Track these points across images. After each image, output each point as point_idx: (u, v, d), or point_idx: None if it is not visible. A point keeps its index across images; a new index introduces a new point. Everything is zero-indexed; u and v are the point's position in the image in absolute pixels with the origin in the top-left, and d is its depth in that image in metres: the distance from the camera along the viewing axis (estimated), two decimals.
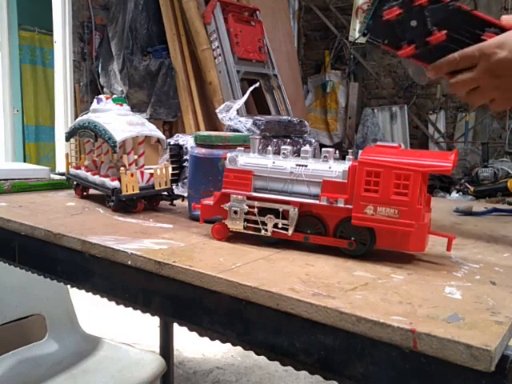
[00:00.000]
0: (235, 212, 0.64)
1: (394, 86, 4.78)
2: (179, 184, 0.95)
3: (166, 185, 0.89)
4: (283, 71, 3.72)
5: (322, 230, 0.61)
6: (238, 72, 3.31)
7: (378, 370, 0.41)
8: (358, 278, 0.52)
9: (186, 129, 3.32)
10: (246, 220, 0.64)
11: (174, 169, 0.91)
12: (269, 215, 0.62)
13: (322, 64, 4.98)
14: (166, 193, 0.89)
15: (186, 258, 0.57)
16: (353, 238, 0.59)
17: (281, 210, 0.62)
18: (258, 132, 1.04)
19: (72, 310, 1.44)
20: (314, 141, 1.17)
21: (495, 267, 0.58)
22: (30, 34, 4.11)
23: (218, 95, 3.17)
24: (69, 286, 0.74)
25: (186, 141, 1.05)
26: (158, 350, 1.59)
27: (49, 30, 3.74)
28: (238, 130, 1.04)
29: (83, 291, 0.68)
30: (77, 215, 0.82)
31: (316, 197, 0.60)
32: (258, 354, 0.50)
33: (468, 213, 0.93)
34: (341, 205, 0.59)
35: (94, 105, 0.95)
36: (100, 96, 0.97)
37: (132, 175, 0.85)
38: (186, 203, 0.86)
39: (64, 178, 1.05)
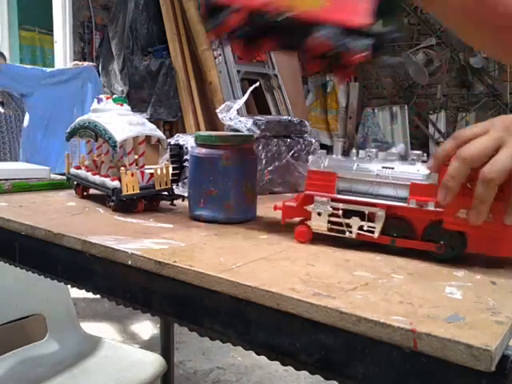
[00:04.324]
0: (319, 214, 0.64)
1: (394, 86, 4.78)
2: (179, 184, 0.95)
3: (166, 185, 0.89)
4: (283, 71, 3.72)
5: (410, 233, 0.60)
6: (238, 72, 3.31)
7: (378, 370, 0.41)
8: (358, 278, 0.52)
9: (187, 129, 3.32)
10: (329, 222, 0.64)
11: (174, 169, 0.91)
12: (353, 217, 0.62)
13: None
14: (166, 193, 0.89)
15: (186, 257, 0.57)
16: (442, 242, 0.58)
17: (367, 212, 0.61)
18: (258, 132, 1.04)
19: (72, 310, 1.44)
20: (314, 141, 1.17)
21: (496, 267, 0.58)
22: (30, 34, 4.11)
23: (219, 95, 3.17)
24: (69, 286, 0.74)
25: (187, 141, 1.05)
26: (158, 349, 1.59)
27: (49, 30, 3.74)
28: (238, 130, 1.04)
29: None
30: (77, 215, 0.82)
31: (403, 199, 0.60)
32: (258, 353, 0.50)
33: None
34: (431, 208, 0.57)
35: (95, 105, 0.95)
36: (100, 96, 0.97)
37: (132, 175, 0.84)
38: (186, 203, 0.86)
39: (64, 177, 1.05)
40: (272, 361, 0.49)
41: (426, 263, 0.59)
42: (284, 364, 0.48)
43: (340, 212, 0.63)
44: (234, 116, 1.04)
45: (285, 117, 1.21)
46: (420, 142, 4.64)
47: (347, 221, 0.63)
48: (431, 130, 4.60)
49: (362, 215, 0.62)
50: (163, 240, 0.65)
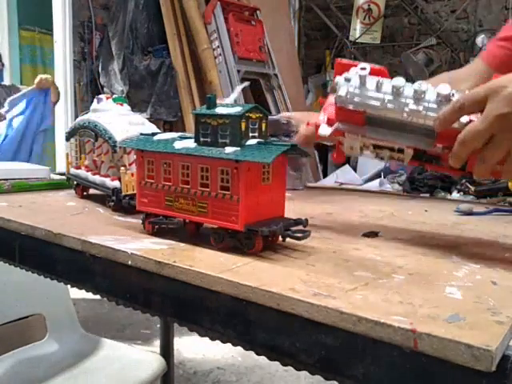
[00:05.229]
0: (351, 148, 0.67)
1: None
2: None
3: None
4: (284, 71, 3.72)
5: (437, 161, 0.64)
6: (238, 72, 3.31)
7: (378, 370, 0.41)
8: (358, 278, 0.52)
9: (187, 128, 3.32)
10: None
11: None
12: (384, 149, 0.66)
13: (322, 63, 4.98)
14: None
15: (186, 257, 0.57)
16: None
17: (396, 147, 0.65)
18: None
19: (72, 310, 1.44)
20: None
21: (496, 267, 0.58)
22: (30, 34, 4.11)
23: (219, 95, 3.17)
24: (69, 286, 0.74)
25: None
26: (158, 350, 1.59)
27: (49, 30, 3.74)
28: None
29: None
30: (77, 215, 0.82)
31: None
32: (258, 354, 0.50)
33: (468, 213, 0.93)
34: None
35: (95, 104, 0.95)
36: (100, 96, 0.96)
37: (132, 175, 0.84)
38: None
39: (64, 177, 1.05)
40: (272, 361, 0.48)
41: (427, 263, 0.59)
42: (284, 364, 0.47)
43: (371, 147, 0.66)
44: None
45: None
46: None
47: (378, 151, 0.66)
48: None
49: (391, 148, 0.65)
50: (163, 240, 0.65)
